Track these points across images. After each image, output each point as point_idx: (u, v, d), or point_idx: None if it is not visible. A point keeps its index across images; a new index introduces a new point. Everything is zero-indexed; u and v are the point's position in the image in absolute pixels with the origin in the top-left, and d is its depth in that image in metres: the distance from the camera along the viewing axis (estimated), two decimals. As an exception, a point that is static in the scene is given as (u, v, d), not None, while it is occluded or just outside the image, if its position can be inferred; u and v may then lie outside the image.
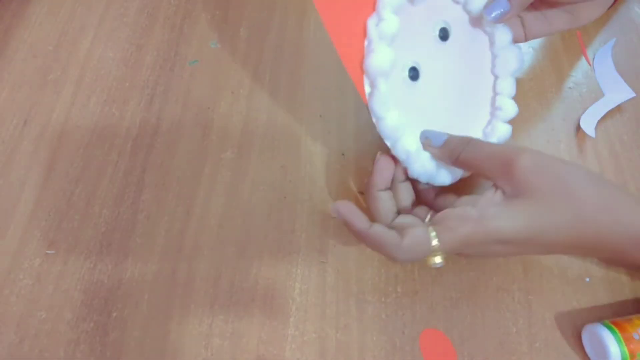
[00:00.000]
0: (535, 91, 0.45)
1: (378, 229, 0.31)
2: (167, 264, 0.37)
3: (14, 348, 0.34)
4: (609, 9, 0.41)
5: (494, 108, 0.37)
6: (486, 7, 0.35)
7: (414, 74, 0.33)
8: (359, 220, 0.31)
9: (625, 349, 0.32)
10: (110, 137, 0.42)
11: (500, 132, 0.36)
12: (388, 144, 0.33)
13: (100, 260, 0.37)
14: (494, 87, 0.37)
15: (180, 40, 0.47)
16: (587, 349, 0.34)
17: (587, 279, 0.36)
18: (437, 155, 0.34)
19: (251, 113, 0.43)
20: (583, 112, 0.43)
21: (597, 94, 0.44)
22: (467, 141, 0.32)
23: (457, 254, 0.32)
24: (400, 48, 0.31)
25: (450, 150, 0.33)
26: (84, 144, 0.42)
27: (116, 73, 0.45)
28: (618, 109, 0.43)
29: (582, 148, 0.42)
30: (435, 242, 0.29)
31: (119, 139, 0.42)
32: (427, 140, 0.34)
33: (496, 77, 0.37)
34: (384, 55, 0.30)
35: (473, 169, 0.33)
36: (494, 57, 0.37)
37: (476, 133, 0.36)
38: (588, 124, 0.42)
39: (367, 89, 0.31)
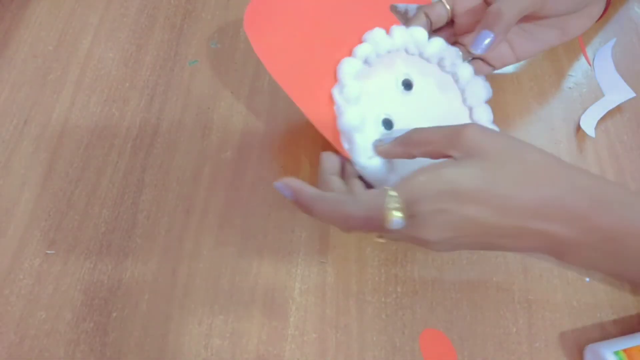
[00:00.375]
0: (535, 91, 0.45)
1: (329, 193, 0.31)
2: (167, 264, 0.37)
3: (13, 348, 0.34)
4: (597, 21, 0.41)
5: None
6: (472, 43, 0.37)
7: (387, 124, 0.36)
8: (309, 188, 0.31)
9: None
10: (110, 137, 0.42)
11: None
12: (376, 186, 0.34)
13: (100, 261, 0.37)
14: (471, 117, 0.40)
15: (180, 40, 0.47)
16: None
17: (587, 279, 0.36)
18: (390, 150, 0.34)
19: (251, 113, 0.43)
20: (583, 112, 0.43)
21: (597, 94, 0.44)
22: (414, 129, 0.33)
23: (411, 240, 0.30)
24: (371, 104, 0.36)
25: (400, 139, 0.33)
26: (84, 144, 0.42)
27: (116, 73, 0.45)
28: (618, 109, 0.43)
29: (582, 148, 0.42)
30: (391, 191, 0.28)
31: (119, 139, 0.42)
32: (380, 142, 0.34)
33: (471, 108, 0.40)
34: (352, 113, 0.34)
35: (422, 147, 0.32)
36: (462, 91, 0.40)
37: None
38: (588, 124, 0.42)
39: (346, 145, 0.35)
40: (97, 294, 0.35)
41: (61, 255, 0.37)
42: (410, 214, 0.29)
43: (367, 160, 0.34)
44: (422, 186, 0.29)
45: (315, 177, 0.40)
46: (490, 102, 0.44)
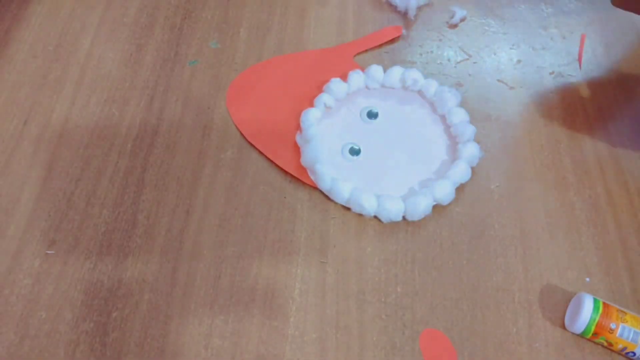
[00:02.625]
0: (535, 91, 0.45)
1: None
2: (167, 264, 0.37)
3: (14, 348, 0.34)
4: None
5: (453, 136, 0.42)
6: None
7: (354, 151, 0.41)
8: None
9: (593, 327, 0.33)
10: (110, 137, 0.42)
11: (461, 170, 0.39)
12: (350, 205, 0.38)
13: (100, 261, 0.37)
14: (446, 121, 0.42)
15: (180, 40, 0.47)
16: (567, 312, 0.35)
17: (587, 279, 0.36)
18: None
19: (251, 113, 0.43)
20: (583, 113, 0.43)
21: (596, 94, 0.44)
22: None
23: None
24: (335, 138, 0.41)
25: None
26: (84, 144, 0.42)
27: (116, 73, 0.45)
28: (619, 109, 0.43)
29: (582, 148, 0.42)
30: None
31: (119, 139, 0.42)
32: None
33: (443, 115, 0.42)
34: (310, 150, 0.39)
35: None
36: (431, 103, 0.43)
37: (433, 171, 0.41)
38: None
39: (312, 177, 0.39)
40: (97, 294, 0.35)
41: (61, 256, 0.37)
42: None
43: (331, 184, 0.38)
44: None
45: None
46: (490, 102, 0.44)
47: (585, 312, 0.33)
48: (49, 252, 0.37)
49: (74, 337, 0.34)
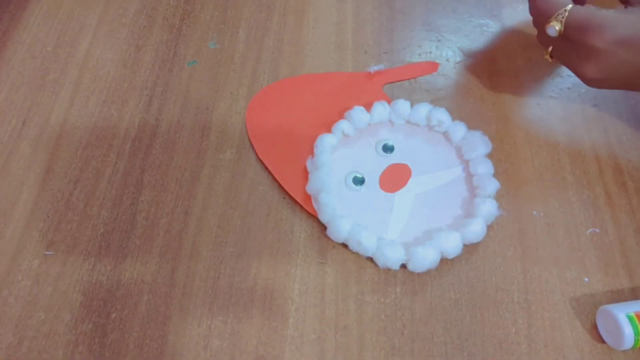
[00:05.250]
0: (534, 92, 0.45)
1: None
2: (166, 265, 0.37)
3: (12, 349, 0.34)
4: None
5: (473, 187, 0.39)
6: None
7: (358, 181, 0.39)
8: None
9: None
10: (109, 138, 0.42)
11: (486, 208, 0.37)
12: (347, 243, 0.37)
13: (99, 261, 0.37)
14: (469, 170, 0.40)
15: (179, 40, 0.47)
16: (601, 331, 0.34)
17: (586, 279, 0.36)
18: None
19: (250, 114, 0.43)
20: (582, 114, 0.43)
21: (596, 94, 0.44)
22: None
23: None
24: (344, 167, 0.40)
25: None
26: (82, 145, 0.42)
27: (115, 74, 0.45)
28: (617, 110, 0.43)
29: (580, 149, 0.42)
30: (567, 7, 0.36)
31: (117, 139, 0.42)
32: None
33: (468, 161, 0.40)
34: (315, 177, 0.38)
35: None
36: (458, 148, 0.41)
37: (454, 211, 0.39)
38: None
39: (315, 206, 0.38)
40: (96, 295, 0.35)
41: (60, 256, 0.37)
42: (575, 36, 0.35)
43: (332, 219, 0.37)
44: (587, 18, 0.35)
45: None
46: (490, 102, 0.44)
47: (628, 337, 0.32)
48: (47, 253, 0.37)
49: (72, 338, 0.34)
